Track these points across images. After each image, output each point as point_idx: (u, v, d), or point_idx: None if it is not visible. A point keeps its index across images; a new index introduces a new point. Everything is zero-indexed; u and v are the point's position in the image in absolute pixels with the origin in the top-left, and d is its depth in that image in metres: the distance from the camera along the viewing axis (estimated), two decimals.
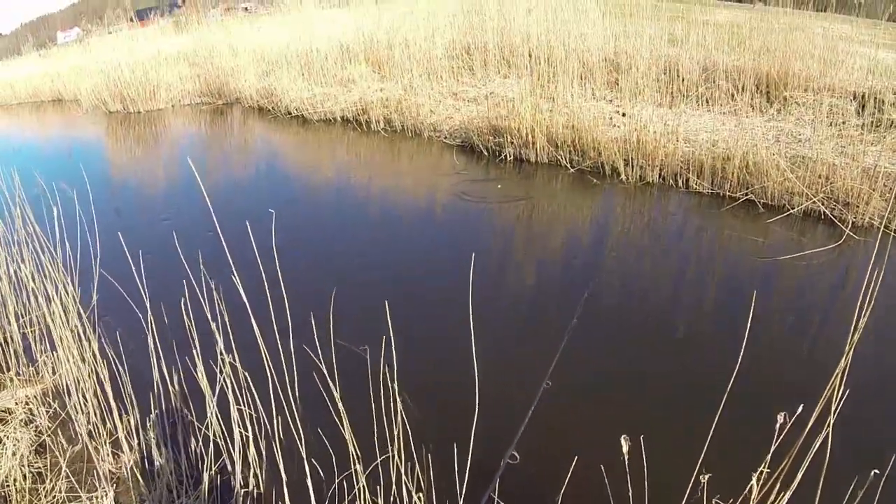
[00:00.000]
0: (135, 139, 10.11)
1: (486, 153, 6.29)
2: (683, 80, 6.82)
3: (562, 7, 7.58)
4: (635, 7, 8.03)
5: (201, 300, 2.16)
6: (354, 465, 1.95)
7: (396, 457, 1.94)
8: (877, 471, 1.55)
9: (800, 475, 1.60)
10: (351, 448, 1.94)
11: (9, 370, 2.92)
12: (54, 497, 2.47)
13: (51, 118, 14.58)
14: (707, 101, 6.62)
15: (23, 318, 3.06)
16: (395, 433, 1.91)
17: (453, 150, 6.58)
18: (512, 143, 6.05)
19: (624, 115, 6.04)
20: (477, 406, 1.76)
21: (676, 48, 7.48)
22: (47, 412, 2.72)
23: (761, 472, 1.60)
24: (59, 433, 2.61)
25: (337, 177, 6.52)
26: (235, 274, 2.01)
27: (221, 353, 2.12)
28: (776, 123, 5.98)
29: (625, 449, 1.56)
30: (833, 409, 1.56)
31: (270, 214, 2.15)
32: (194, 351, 2.17)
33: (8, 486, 2.51)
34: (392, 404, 1.91)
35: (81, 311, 2.59)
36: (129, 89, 11.93)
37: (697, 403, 2.43)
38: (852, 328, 1.62)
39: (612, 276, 3.83)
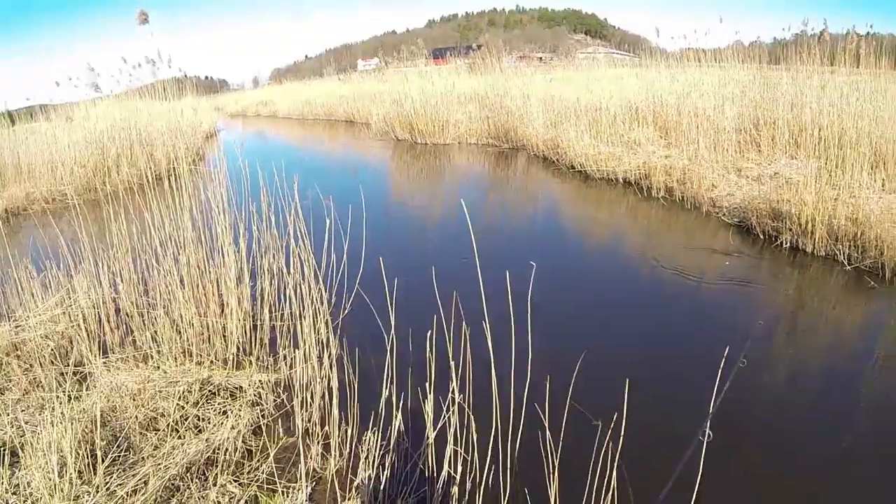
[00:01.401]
0: (417, 169, 11.20)
1: (762, 237, 6.05)
2: None
3: (857, 86, 7.17)
4: None
5: (446, 336, 2.30)
6: None
7: None
8: None
9: None
10: None
11: (251, 354, 3.32)
12: (256, 477, 2.73)
13: (341, 137, 16.66)
14: None
15: (276, 311, 3.48)
16: None
17: (730, 230, 6.42)
18: (790, 229, 5.77)
19: None
20: None
21: None
22: (274, 400, 3.05)
23: None
24: (279, 422, 2.91)
25: (609, 240, 6.63)
26: (486, 320, 2.13)
27: (453, 392, 2.22)
28: None
29: None
30: None
31: (532, 266, 2.25)
32: (427, 383, 2.30)
33: (219, 453, 2.82)
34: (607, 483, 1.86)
35: (329, 319, 2.88)
36: (418, 120, 13.31)
37: None
38: None
39: (864, 393, 3.39)
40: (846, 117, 6.78)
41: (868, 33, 7.93)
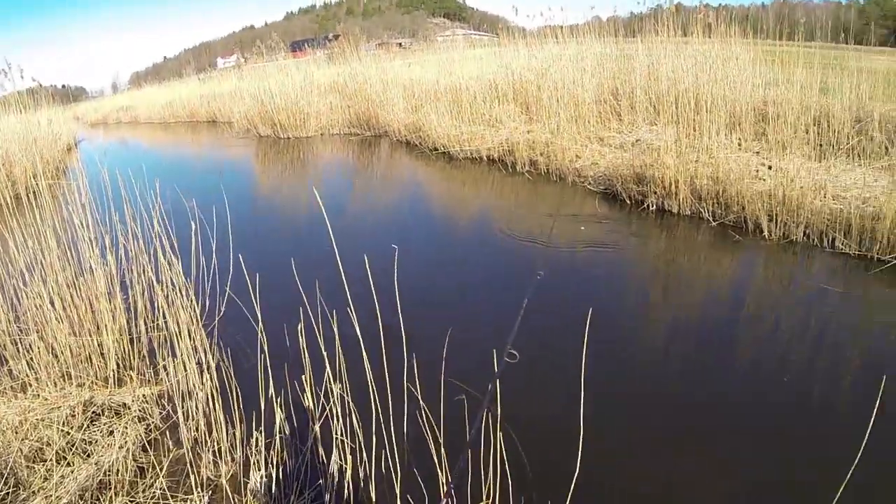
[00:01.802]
0: (280, 164, 10.95)
1: (628, 202, 6.31)
2: (834, 131, 6.55)
3: (711, 54, 7.54)
4: (786, 54, 7.84)
5: (315, 328, 2.30)
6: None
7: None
8: None
9: None
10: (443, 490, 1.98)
11: (131, 369, 3.20)
12: (152, 493, 2.67)
13: (203, 138, 15.99)
14: (858, 155, 6.23)
15: (151, 322, 3.35)
16: (492, 476, 1.93)
17: (596, 197, 6.64)
18: (655, 192, 6.06)
19: (770, 167, 5.87)
20: (578, 470, 1.75)
21: (829, 97, 7.21)
22: (160, 413, 2.97)
23: None
24: (168, 435, 2.84)
25: (473, 217, 6.73)
26: (351, 307, 2.14)
27: (330, 383, 2.24)
28: None
29: None
30: None
31: (397, 249, 2.27)
32: (304, 376, 2.31)
33: (110, 475, 2.73)
34: (493, 450, 1.93)
35: (201, 324, 2.81)
36: (279, 115, 13.00)
37: (822, 478, 2.27)
38: None
39: (741, 337, 3.68)
40: (701, 83, 7.13)
41: (720, 4, 8.35)
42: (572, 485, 1.83)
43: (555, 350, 3.38)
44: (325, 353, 2.26)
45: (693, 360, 3.44)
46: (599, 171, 7.26)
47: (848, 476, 1.61)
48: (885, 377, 1.76)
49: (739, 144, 6.95)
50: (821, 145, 6.47)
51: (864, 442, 1.59)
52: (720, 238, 5.26)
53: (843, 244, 4.76)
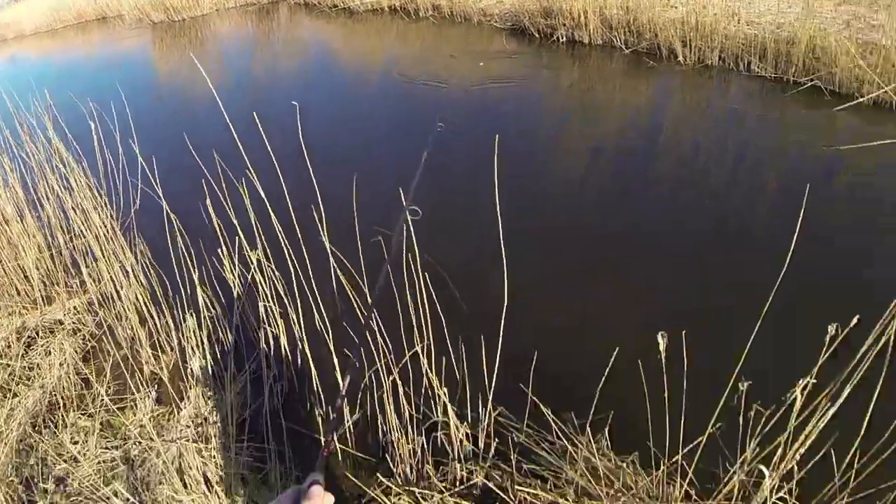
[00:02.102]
0: (175, 48, 10.31)
1: (537, 36, 6.16)
2: None
3: None
4: None
5: (224, 201, 2.21)
6: (382, 358, 1.98)
7: (424, 354, 1.96)
8: None
9: (847, 391, 1.45)
10: (381, 343, 1.97)
11: (58, 284, 3.10)
12: (101, 401, 2.63)
13: (94, 37, 14.88)
14: None
15: (66, 232, 3.22)
16: (426, 323, 1.92)
17: (503, 34, 6.47)
18: (564, 24, 5.91)
19: None
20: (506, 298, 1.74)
21: None
22: (94, 321, 2.90)
23: (806, 385, 1.47)
24: (105, 340, 2.78)
25: (379, 67, 6.49)
26: (251, 169, 2.05)
27: (246, 251, 2.17)
28: (848, 7, 5.56)
29: (662, 346, 1.52)
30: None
31: (306, 107, 2.16)
32: (221, 249, 2.24)
33: (57, 394, 2.69)
34: (417, 290, 1.91)
35: (116, 224, 2.70)
36: None
37: (742, 303, 2.33)
38: None
39: (663, 160, 3.70)
40: None
41: None
42: (502, 320, 1.83)
43: (465, 191, 3.36)
44: (237, 224, 2.19)
45: (610, 189, 3.45)
46: (505, 8, 7.05)
47: (770, 299, 1.61)
48: (804, 198, 1.73)
49: None
50: None
51: (786, 264, 1.59)
52: (634, 65, 5.23)
53: (759, 67, 4.77)
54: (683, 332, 1.54)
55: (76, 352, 2.90)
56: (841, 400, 1.46)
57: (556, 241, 3.03)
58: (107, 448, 2.54)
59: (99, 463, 2.48)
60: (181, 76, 8.19)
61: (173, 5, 12.03)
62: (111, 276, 2.73)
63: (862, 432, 1.51)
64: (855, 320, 1.40)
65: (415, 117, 4.82)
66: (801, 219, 1.63)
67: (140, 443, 2.51)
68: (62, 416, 2.65)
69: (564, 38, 5.94)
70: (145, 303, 2.64)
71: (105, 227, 2.73)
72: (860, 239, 2.97)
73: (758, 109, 4.30)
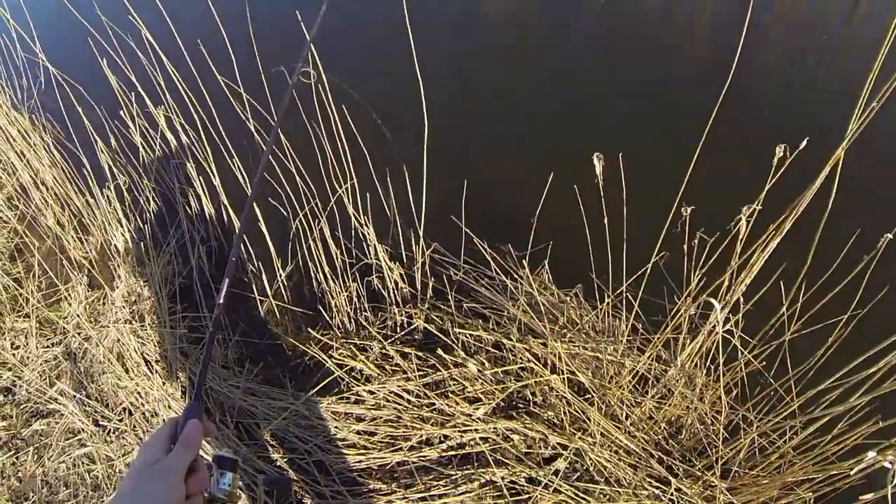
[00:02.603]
0: None
1: None
2: None
3: None
4: None
5: (119, 60, 2.04)
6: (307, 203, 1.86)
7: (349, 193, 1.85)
8: (889, 235, 1.26)
9: (793, 217, 1.36)
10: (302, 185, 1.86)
11: None
12: (35, 299, 2.51)
13: None
14: None
15: None
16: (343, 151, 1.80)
17: None
18: None
19: None
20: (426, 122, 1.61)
21: None
22: (15, 215, 2.74)
23: (753, 210, 1.37)
24: (29, 234, 2.64)
25: None
26: (135, 18, 1.87)
27: (151, 108, 2.02)
28: None
29: (598, 169, 1.39)
30: (843, 145, 1.25)
31: None
32: (122, 112, 2.08)
33: None
34: (333, 123, 1.78)
35: (21, 101, 2.52)
36: None
37: (681, 123, 2.22)
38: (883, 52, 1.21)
39: None
40: None
41: None
42: (425, 145, 1.71)
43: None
44: (135, 82, 2.02)
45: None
46: None
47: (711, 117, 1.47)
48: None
49: None
50: None
51: (729, 77, 1.45)
52: None
53: None
54: (620, 154, 1.43)
55: (2, 252, 2.77)
56: (787, 228, 1.37)
57: (479, 57, 2.86)
58: (47, 347, 2.45)
59: (42, 363, 2.40)
60: None
61: None
62: (25, 164, 2.58)
63: (808, 262, 1.43)
64: (804, 143, 1.28)
65: None
66: (745, 28, 1.49)
67: (80, 334, 2.43)
68: (2, 322, 2.55)
69: None
70: (62, 186, 2.50)
71: (9, 114, 2.55)
72: (808, 53, 2.83)
73: None
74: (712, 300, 1.43)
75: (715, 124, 1.44)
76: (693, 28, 2.95)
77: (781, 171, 1.28)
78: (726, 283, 1.51)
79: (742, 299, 1.48)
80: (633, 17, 3.08)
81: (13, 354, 2.42)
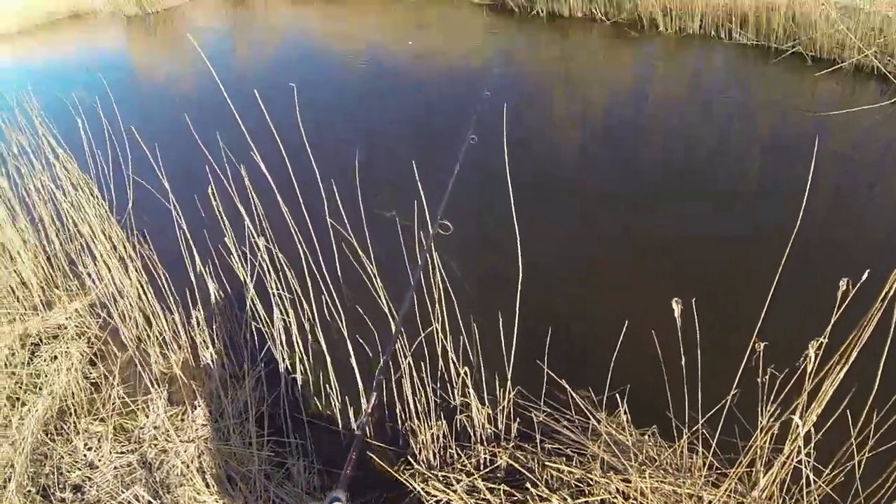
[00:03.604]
0: (153, 39, 10.20)
1: (517, 10, 6.14)
2: None
3: None
4: None
5: (228, 187, 2.15)
6: (399, 339, 1.94)
7: (440, 331, 1.92)
8: None
9: (857, 350, 1.43)
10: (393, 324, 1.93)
11: (57, 287, 3.04)
12: (112, 405, 2.59)
13: (69, 35, 14.60)
14: None
15: (62, 234, 3.15)
16: (438, 300, 1.88)
17: (483, 10, 6.41)
18: None
19: None
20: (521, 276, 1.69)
21: None
22: (97, 323, 2.85)
23: (820, 345, 1.44)
24: (111, 342, 2.74)
25: (362, 46, 6.38)
26: (257, 154, 1.99)
27: (253, 237, 2.12)
28: None
29: (677, 312, 1.50)
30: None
31: (294, 89, 2.10)
32: (227, 238, 2.18)
33: (67, 400, 2.64)
34: (431, 271, 1.87)
35: (113, 220, 2.64)
36: None
37: (750, 268, 2.33)
38: None
39: (653, 130, 3.67)
40: None
41: None
42: (517, 303, 1.79)
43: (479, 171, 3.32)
44: (241, 209, 2.13)
45: (610, 161, 3.44)
46: None
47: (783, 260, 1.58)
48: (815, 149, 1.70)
49: None
50: None
51: (796, 228, 1.56)
52: (616, 36, 5.22)
53: (740, 35, 4.79)
54: (694, 299, 1.51)
55: (82, 356, 2.84)
56: (852, 358, 1.43)
57: (560, 214, 3.01)
58: (122, 453, 2.50)
59: (116, 468, 2.44)
60: (163, 68, 8.03)
61: None
62: (111, 276, 2.67)
63: (875, 389, 1.50)
64: (865, 275, 1.36)
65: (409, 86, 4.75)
66: (808, 184, 1.61)
67: (156, 445, 2.47)
68: (74, 422, 2.60)
69: (545, 12, 5.89)
70: (149, 300, 2.58)
71: (101, 224, 2.66)
72: (855, 200, 2.98)
73: (741, 77, 4.29)
74: (795, 417, 1.49)
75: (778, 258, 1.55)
76: (748, 176, 3.14)
77: (845, 304, 1.34)
78: (797, 415, 1.56)
79: (813, 430, 1.53)
80: (703, 164, 3.26)
81: (85, 455, 2.47)
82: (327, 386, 2.24)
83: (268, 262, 2.16)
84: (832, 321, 1.40)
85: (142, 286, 2.59)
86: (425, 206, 1.83)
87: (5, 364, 2.94)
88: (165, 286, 2.50)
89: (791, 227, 1.60)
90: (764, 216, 2.82)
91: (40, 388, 2.82)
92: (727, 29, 4.81)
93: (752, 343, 1.53)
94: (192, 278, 2.38)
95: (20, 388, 2.83)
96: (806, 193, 1.59)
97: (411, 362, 2.07)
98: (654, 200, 3.07)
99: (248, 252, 2.19)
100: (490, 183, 3.19)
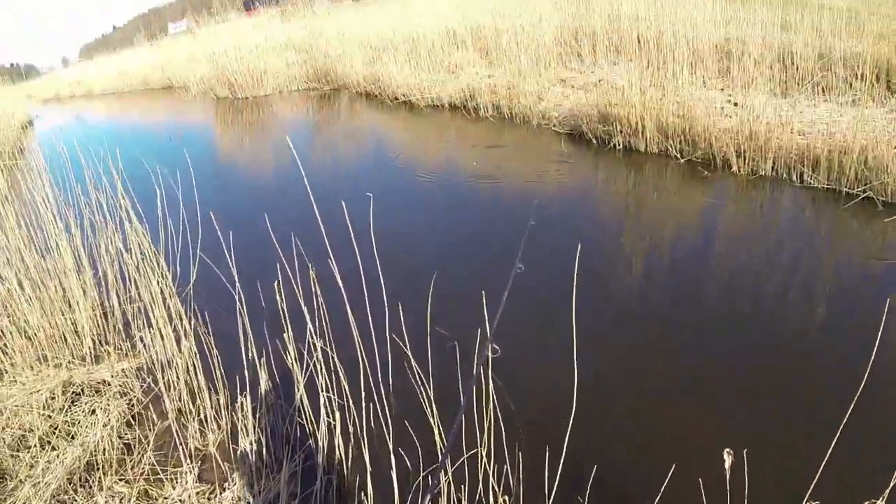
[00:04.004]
0: (239, 124, 10.77)
1: (594, 142, 6.24)
2: (798, 67, 6.55)
3: None
4: None
5: (293, 284, 2.21)
6: (441, 459, 1.92)
7: (485, 456, 1.91)
8: None
9: None
10: (438, 441, 1.93)
11: (108, 343, 3.10)
12: (141, 469, 2.61)
13: (159, 105, 15.52)
14: (823, 90, 6.29)
15: (123, 295, 3.24)
16: (486, 427, 1.88)
17: (561, 139, 6.56)
18: (621, 131, 5.99)
19: (735, 104, 5.84)
20: (574, 410, 1.69)
21: (790, 34, 7.22)
22: (141, 387, 2.89)
23: None
24: (151, 408, 2.76)
25: (442, 163, 6.58)
26: (332, 256, 2.04)
27: (312, 338, 2.16)
28: None
29: (727, 464, 1.48)
30: None
31: (369, 198, 2.16)
32: (286, 334, 2.23)
33: (97, 455, 2.66)
34: (483, 398, 1.87)
35: (174, 291, 2.71)
36: (236, 76, 12.79)
37: (809, 421, 2.27)
38: None
39: (719, 273, 3.65)
40: (663, 22, 7.13)
41: None
42: (566, 437, 1.78)
43: (537, 297, 3.34)
44: (304, 309, 2.17)
45: (670, 303, 3.41)
46: (564, 112, 7.18)
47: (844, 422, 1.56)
48: (884, 316, 1.70)
49: (704, 82, 6.96)
50: (785, 82, 6.52)
51: (861, 387, 1.55)
52: (689, 175, 5.24)
53: (811, 178, 4.76)
54: (745, 450, 1.49)
55: (121, 415, 2.88)
56: None
57: (627, 354, 2.99)
58: None
59: None
60: (245, 151, 8.48)
61: (238, 83, 12.82)
62: (164, 344, 2.73)
63: None
64: None
65: (491, 217, 4.86)
66: (880, 333, 1.58)
67: None
68: (100, 478, 2.61)
69: (621, 146, 6.02)
70: (197, 375, 2.62)
71: (162, 293, 2.74)
72: None
73: (811, 221, 4.29)
74: None
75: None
76: (812, 326, 3.11)
77: None
78: None
79: None
80: (766, 307, 3.26)
81: None
82: (362, 493, 2.22)
83: (322, 363, 2.19)
84: (890, 485, 1.39)
85: (191, 360, 2.63)
86: (482, 328, 1.84)
87: (44, 406, 2.99)
88: (215, 364, 2.54)
89: (856, 381, 1.57)
90: (827, 366, 2.76)
91: (73, 437, 2.86)
92: (799, 171, 4.85)
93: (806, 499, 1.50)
94: (245, 363, 2.41)
95: (54, 432, 2.87)
96: (875, 347, 1.57)
97: (451, 480, 2.04)
98: (712, 342, 3.04)
99: (304, 350, 2.23)
100: (545, 310, 3.25)
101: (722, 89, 6.76)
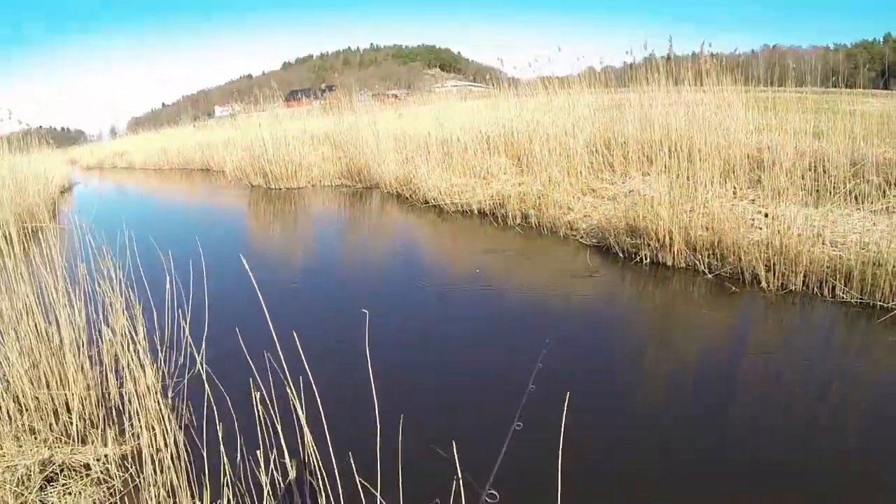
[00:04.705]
0: (267, 215, 11.03)
1: (621, 255, 6.24)
2: (830, 175, 6.51)
3: (703, 101, 7.67)
4: (778, 100, 7.91)
5: (271, 396, 2.22)
6: None
7: None
8: None
9: None
10: None
11: (96, 427, 3.10)
12: None
13: (194, 186, 16.05)
14: (856, 198, 6.19)
15: (116, 380, 3.26)
16: None
17: (588, 251, 6.58)
18: (649, 245, 5.98)
19: (766, 215, 5.82)
20: None
21: (822, 141, 7.29)
22: (121, 477, 2.84)
23: None
24: (127, 501, 2.70)
25: (464, 272, 6.59)
26: (309, 373, 2.07)
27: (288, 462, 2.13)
28: None
29: None
30: None
31: (365, 314, 2.19)
32: (259, 451, 2.21)
33: None
34: None
35: (171, 383, 2.72)
36: (271, 165, 13.15)
37: None
38: None
39: (745, 399, 3.56)
40: (694, 131, 7.21)
41: (710, 53, 8.53)
42: None
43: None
44: (279, 425, 2.18)
45: (697, 423, 3.32)
46: (592, 223, 7.24)
47: None
48: None
49: (734, 192, 6.95)
50: (817, 190, 6.45)
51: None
52: (716, 291, 5.17)
53: (843, 292, 4.67)
54: None
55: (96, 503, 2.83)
56: None
57: (647, 476, 2.92)
58: None
59: None
60: (266, 248, 8.68)
61: (273, 173, 13.17)
62: (151, 438, 2.72)
63: None
64: None
65: (505, 337, 4.73)
66: None
67: None
68: None
69: (648, 259, 6.03)
70: (177, 475, 2.60)
71: (157, 385, 2.76)
72: None
73: (842, 339, 4.22)
74: None
75: None
76: (850, 460, 3.01)
77: None
78: None
79: None
80: (797, 432, 3.21)
81: None
82: None
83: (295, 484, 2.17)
84: None
85: (175, 457, 2.62)
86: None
87: (18, 482, 2.94)
88: (200, 465, 2.51)
89: None
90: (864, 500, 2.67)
91: None
92: (831, 285, 4.77)
93: None
94: (227, 470, 2.39)
95: None
96: None
97: None
98: (736, 474, 2.94)
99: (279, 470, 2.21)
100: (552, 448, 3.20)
101: (753, 200, 6.75)
